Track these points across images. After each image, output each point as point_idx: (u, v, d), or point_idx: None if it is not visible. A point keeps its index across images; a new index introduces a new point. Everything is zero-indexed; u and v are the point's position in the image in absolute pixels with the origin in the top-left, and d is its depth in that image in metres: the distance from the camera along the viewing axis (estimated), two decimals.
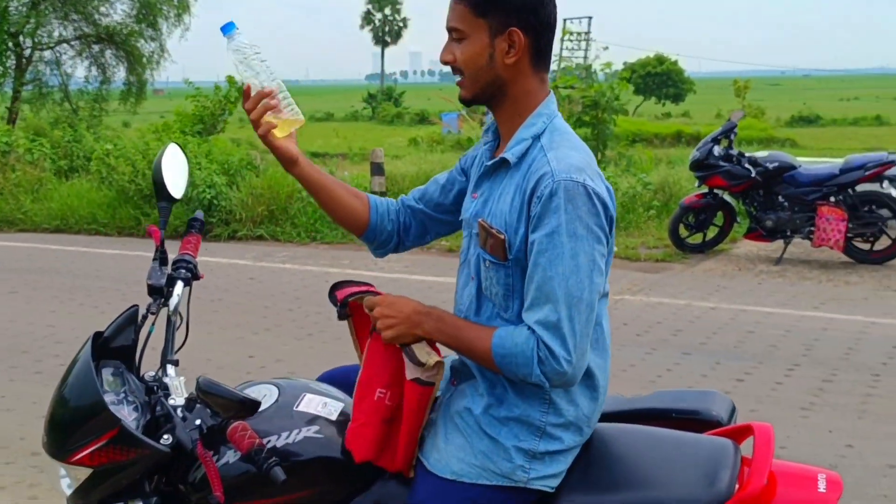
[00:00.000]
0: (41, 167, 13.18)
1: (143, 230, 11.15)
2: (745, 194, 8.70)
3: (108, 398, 2.10)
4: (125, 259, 9.64)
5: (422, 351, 1.93)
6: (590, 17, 32.22)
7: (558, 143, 1.90)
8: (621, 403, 2.23)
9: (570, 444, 1.95)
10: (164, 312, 2.33)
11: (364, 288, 2.10)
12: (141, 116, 24.71)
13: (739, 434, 2.06)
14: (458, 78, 1.98)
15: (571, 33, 33.71)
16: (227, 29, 2.05)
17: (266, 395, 2.17)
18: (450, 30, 1.95)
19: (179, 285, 2.37)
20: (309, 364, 5.84)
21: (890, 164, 8.14)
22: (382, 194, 10.56)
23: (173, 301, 2.34)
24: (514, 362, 1.83)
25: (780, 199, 8.54)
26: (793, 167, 8.55)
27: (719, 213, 9.05)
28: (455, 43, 1.95)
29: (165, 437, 2.06)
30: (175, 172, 2.41)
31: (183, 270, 2.39)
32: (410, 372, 1.95)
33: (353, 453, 2.01)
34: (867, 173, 8.18)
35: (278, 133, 2.09)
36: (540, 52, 1.94)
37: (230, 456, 2.07)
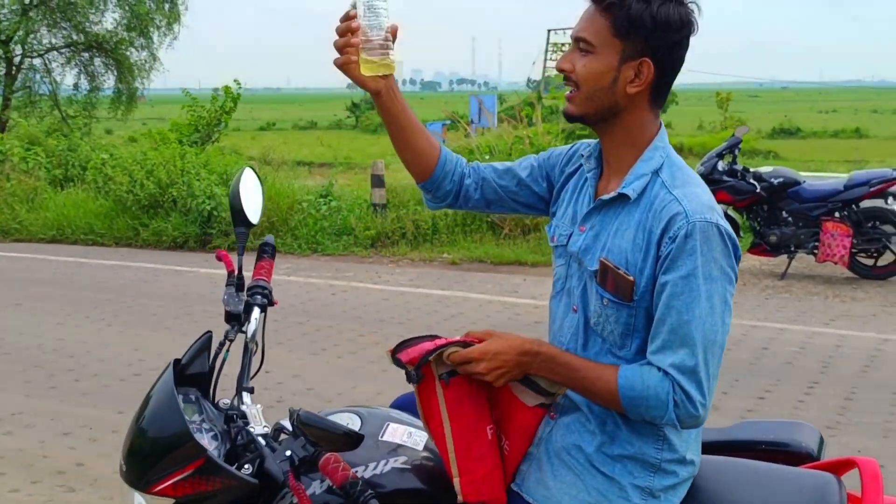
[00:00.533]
0: (36, 176, 13.08)
1: (141, 240, 11.09)
2: (750, 209, 8.74)
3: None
4: (125, 270, 9.56)
5: (545, 381, 1.90)
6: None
7: (683, 181, 1.87)
8: (709, 434, 2.21)
9: (683, 477, 1.93)
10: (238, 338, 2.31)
11: (434, 344, 1.92)
12: (123, 123, 24.51)
13: (839, 468, 2.06)
14: (568, 90, 1.92)
15: (556, 44, 33.85)
16: None
17: (349, 424, 2.15)
18: (578, 39, 1.88)
19: (256, 311, 2.34)
20: (328, 380, 5.83)
21: (894, 180, 8.20)
22: (384, 206, 10.68)
23: (251, 328, 2.31)
24: (646, 405, 1.79)
25: (785, 214, 8.58)
26: (797, 183, 8.61)
27: None
28: (579, 54, 1.88)
29: (246, 466, 2.03)
30: (251, 197, 2.39)
31: (259, 297, 2.37)
32: (531, 399, 1.92)
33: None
34: (872, 189, 8.24)
35: (364, 70, 1.97)
36: (661, 90, 1.90)
37: (316, 487, 2.05)
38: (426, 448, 2.11)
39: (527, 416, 1.95)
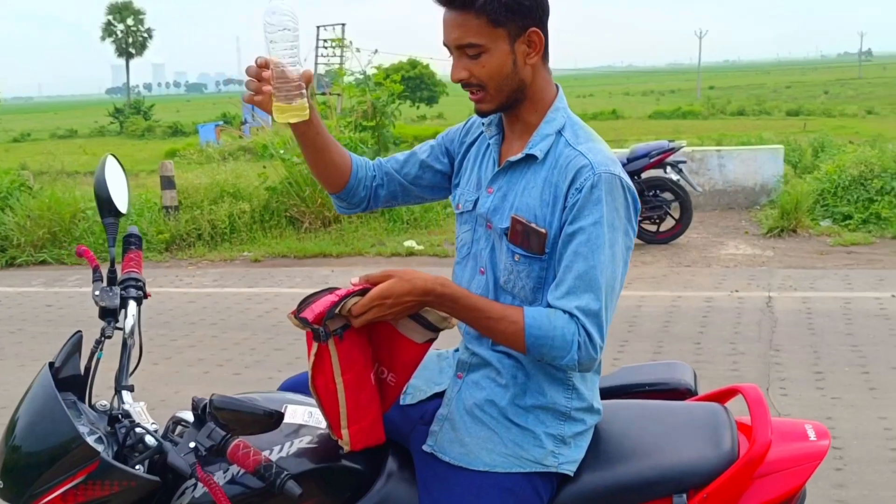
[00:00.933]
0: None
1: None
2: None
3: None
4: None
5: (435, 315, 1.88)
6: (343, 24, 32.49)
7: (585, 138, 1.94)
8: None
9: (590, 424, 2.00)
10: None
11: (337, 296, 1.85)
12: None
13: (722, 397, 2.20)
14: (476, 93, 1.93)
15: (326, 40, 33.84)
16: None
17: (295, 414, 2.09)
18: (461, 47, 1.89)
19: (133, 305, 2.22)
20: (148, 387, 5.54)
21: (671, 151, 8.82)
22: (176, 208, 10.26)
23: (129, 322, 2.18)
24: (550, 344, 1.82)
25: None
26: None
27: None
28: (469, 59, 1.90)
29: (137, 467, 1.92)
30: (117, 186, 2.26)
31: (133, 289, 2.24)
32: (420, 336, 1.92)
33: (369, 446, 1.95)
34: (652, 160, 8.81)
35: (278, 117, 1.95)
36: (546, 47, 1.95)
37: (219, 478, 1.96)
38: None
39: (414, 351, 1.94)
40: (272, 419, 1.80)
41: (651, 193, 8.94)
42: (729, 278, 7.58)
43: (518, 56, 1.90)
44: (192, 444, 1.91)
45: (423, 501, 1.96)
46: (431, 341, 1.94)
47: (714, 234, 9.45)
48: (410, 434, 2.09)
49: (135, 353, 2.20)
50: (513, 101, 1.95)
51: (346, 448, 1.93)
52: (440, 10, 1.90)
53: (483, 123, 2.12)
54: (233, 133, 35.02)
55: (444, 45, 1.94)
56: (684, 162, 9.14)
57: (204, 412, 1.87)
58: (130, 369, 2.17)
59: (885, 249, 8.43)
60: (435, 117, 47.60)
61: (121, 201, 2.25)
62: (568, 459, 1.96)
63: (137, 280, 2.27)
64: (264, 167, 11.18)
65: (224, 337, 6.53)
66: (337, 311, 1.83)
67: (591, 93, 78.56)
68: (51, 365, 2.04)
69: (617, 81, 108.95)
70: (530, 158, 1.95)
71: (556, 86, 2.02)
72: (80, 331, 2.17)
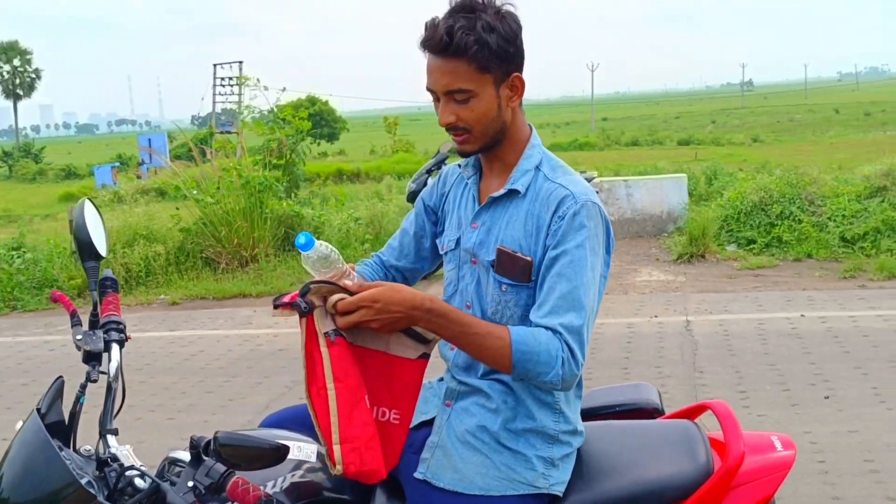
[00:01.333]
0: None
1: None
2: None
3: None
4: None
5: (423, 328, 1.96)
6: (240, 62, 32.28)
7: (562, 172, 2.06)
8: None
9: (575, 446, 2.10)
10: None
11: (330, 278, 1.91)
12: None
13: (692, 414, 2.34)
14: (461, 135, 2.02)
15: (223, 78, 33.58)
16: (307, 246, 1.90)
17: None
18: (450, 92, 1.98)
19: (116, 349, 2.23)
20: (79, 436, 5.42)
21: None
22: None
23: (113, 366, 2.19)
24: (536, 360, 1.89)
25: None
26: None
27: None
28: (457, 104, 1.99)
29: None
30: (95, 229, 2.28)
31: (115, 332, 2.26)
32: (413, 351, 1.98)
33: (365, 476, 1.92)
34: None
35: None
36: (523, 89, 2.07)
37: None
38: (318, 458, 2.11)
39: (411, 371, 2.00)
40: (279, 453, 1.82)
41: None
42: (647, 304, 7.84)
43: (502, 100, 2.01)
44: (190, 484, 1.90)
45: None
46: (425, 358, 2.00)
47: (627, 262, 9.74)
48: (399, 463, 2.15)
49: (118, 396, 2.21)
50: (495, 141, 2.06)
51: (339, 469, 1.89)
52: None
53: (460, 165, 2.24)
54: (130, 174, 34.35)
55: (429, 90, 2.02)
56: (598, 192, 9.41)
57: (206, 450, 1.89)
58: (114, 412, 2.18)
59: (789, 271, 8.84)
60: (336, 153, 47.58)
61: (100, 245, 2.27)
62: (557, 480, 2.05)
63: (118, 323, 2.28)
64: (177, 208, 11.05)
65: (153, 382, 6.43)
66: (322, 303, 1.89)
67: None
68: (38, 411, 2.03)
69: None
70: (512, 193, 2.06)
71: (530, 126, 2.14)
72: (61, 376, 2.18)
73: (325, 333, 1.90)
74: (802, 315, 7.03)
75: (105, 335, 2.23)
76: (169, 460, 2.09)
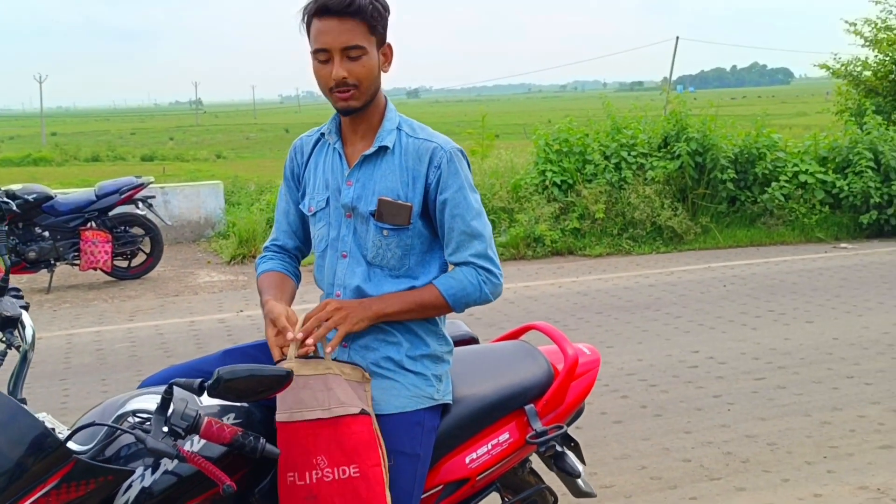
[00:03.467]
0: None
1: None
2: (8, 228, 8.57)
3: None
4: None
5: (320, 361, 2.23)
6: None
7: (420, 128, 2.41)
8: None
9: (450, 363, 2.51)
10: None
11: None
12: None
13: (517, 335, 2.86)
14: (347, 91, 2.26)
15: None
16: None
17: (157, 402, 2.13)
18: (347, 48, 2.22)
19: (26, 315, 2.11)
20: None
21: (140, 186, 9.00)
22: None
23: (29, 332, 2.08)
24: (466, 293, 2.34)
25: (40, 229, 8.65)
26: (50, 197, 8.74)
27: None
28: (350, 61, 2.23)
29: None
30: None
31: (19, 299, 2.12)
32: (354, 408, 2.20)
33: None
34: (122, 196, 8.88)
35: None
36: None
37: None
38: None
39: (358, 427, 2.21)
40: (288, 378, 1.95)
41: (121, 230, 9.01)
42: (226, 301, 8.13)
43: (379, 63, 2.33)
44: (165, 429, 1.93)
45: None
46: (367, 414, 2.23)
47: (180, 266, 9.84)
48: None
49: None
50: (369, 102, 2.35)
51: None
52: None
53: (323, 133, 2.48)
54: None
55: (321, 49, 2.24)
56: (153, 197, 9.39)
57: (210, 391, 1.93)
58: (24, 381, 2.09)
59: None
60: None
61: None
62: (447, 391, 2.46)
63: (17, 289, 2.16)
64: None
65: None
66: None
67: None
68: None
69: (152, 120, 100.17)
70: (382, 150, 2.37)
71: (384, 94, 2.46)
72: None
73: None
74: None
75: (17, 300, 2.11)
76: (120, 416, 2.03)
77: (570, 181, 10.81)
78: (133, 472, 1.98)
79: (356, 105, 2.31)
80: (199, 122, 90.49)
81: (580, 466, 2.62)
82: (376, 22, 2.26)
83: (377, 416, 2.30)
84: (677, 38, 17.55)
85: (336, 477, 2.16)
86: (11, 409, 1.88)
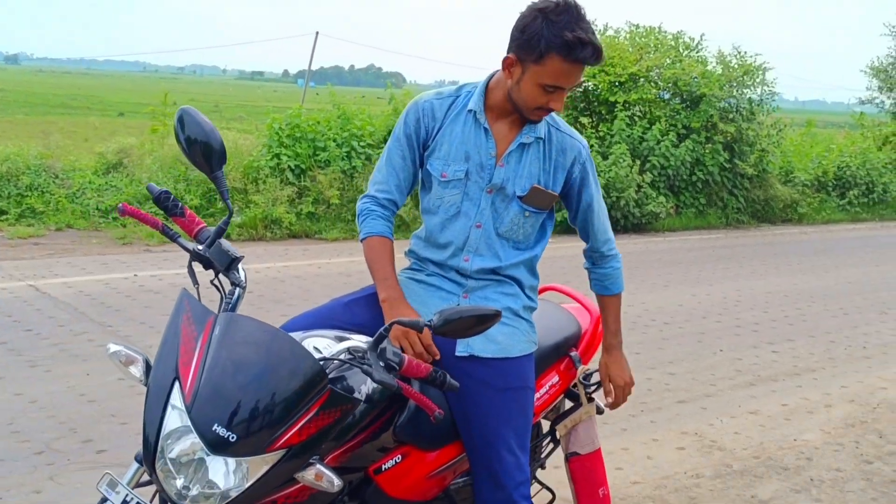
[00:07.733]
0: None
1: None
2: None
3: None
4: None
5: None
6: None
7: (564, 125, 2.67)
8: None
9: None
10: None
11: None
12: None
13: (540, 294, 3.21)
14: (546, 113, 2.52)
15: None
16: None
17: (328, 345, 2.24)
18: (572, 87, 2.46)
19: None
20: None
21: None
22: None
23: (243, 275, 2.18)
24: (620, 278, 2.88)
25: None
26: None
27: None
28: (564, 92, 2.44)
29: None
30: (208, 133, 2.14)
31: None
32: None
33: None
34: None
35: None
36: None
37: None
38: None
39: None
40: (499, 314, 2.07)
41: None
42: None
43: None
44: (382, 364, 2.04)
45: (471, 396, 2.50)
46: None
47: None
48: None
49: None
50: None
51: None
52: None
53: (476, 112, 2.57)
54: None
55: (557, 87, 2.42)
56: None
57: (419, 328, 2.07)
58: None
59: (65, 240, 9.10)
60: None
61: (219, 151, 2.13)
62: (537, 339, 2.77)
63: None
64: None
65: None
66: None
67: None
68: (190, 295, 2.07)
69: None
70: (536, 140, 2.59)
71: None
72: (184, 288, 2.06)
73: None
74: (136, 274, 7.63)
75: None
76: (335, 354, 2.11)
77: (304, 166, 11.04)
78: (361, 401, 2.10)
79: (538, 120, 2.57)
80: None
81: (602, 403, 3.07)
82: None
83: (501, 359, 2.57)
84: (317, 33, 18.43)
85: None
86: (289, 344, 1.96)
